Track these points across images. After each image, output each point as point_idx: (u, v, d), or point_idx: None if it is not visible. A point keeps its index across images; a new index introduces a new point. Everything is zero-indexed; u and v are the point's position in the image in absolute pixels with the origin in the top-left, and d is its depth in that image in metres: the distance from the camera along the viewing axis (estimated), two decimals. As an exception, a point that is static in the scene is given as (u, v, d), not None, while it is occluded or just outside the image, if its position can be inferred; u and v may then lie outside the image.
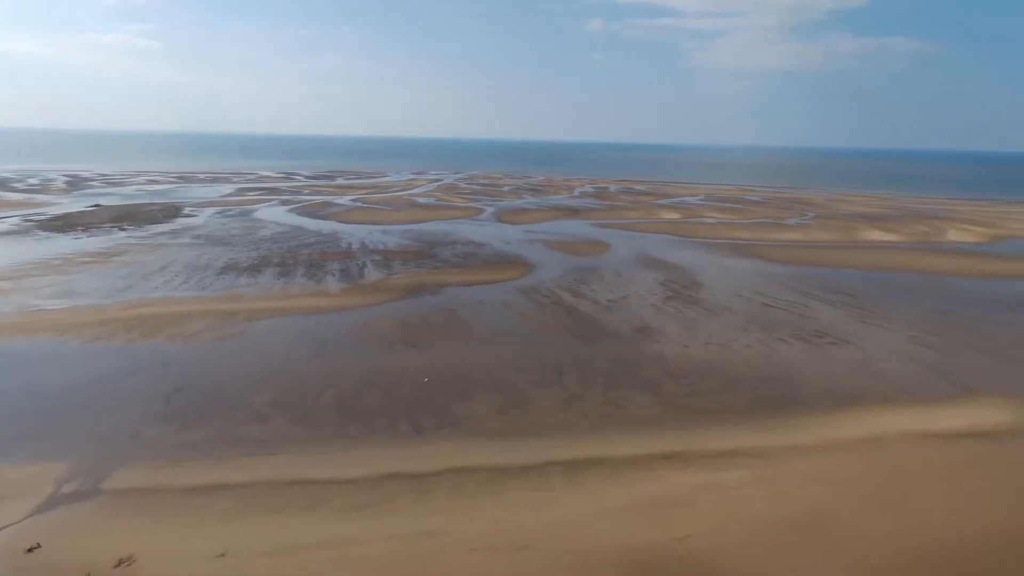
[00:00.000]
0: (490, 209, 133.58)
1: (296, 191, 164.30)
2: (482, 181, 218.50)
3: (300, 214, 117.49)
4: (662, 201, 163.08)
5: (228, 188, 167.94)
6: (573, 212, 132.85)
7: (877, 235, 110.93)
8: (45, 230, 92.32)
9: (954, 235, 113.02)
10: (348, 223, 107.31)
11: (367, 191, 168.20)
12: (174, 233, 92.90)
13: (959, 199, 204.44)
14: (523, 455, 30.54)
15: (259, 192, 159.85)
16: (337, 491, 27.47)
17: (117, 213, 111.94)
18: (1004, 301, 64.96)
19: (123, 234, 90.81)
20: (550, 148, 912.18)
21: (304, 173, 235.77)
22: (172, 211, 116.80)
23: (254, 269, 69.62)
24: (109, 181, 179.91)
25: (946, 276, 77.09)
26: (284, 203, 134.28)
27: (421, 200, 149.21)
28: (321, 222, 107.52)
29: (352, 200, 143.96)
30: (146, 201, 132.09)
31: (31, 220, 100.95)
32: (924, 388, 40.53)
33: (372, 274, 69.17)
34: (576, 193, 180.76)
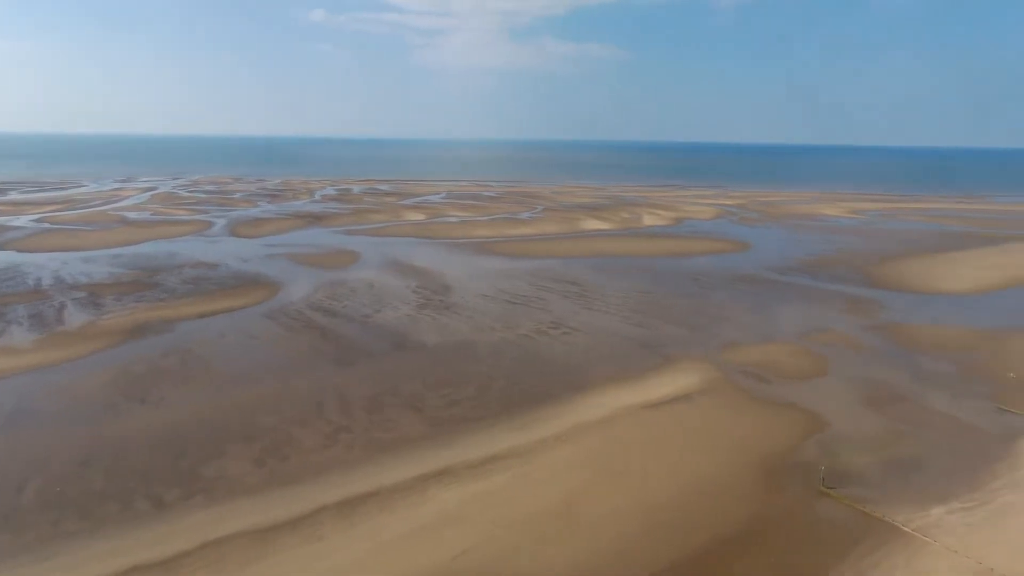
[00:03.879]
0: (222, 221, 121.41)
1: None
2: (208, 187, 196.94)
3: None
4: (407, 201, 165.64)
5: None
6: (317, 219, 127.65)
7: (594, 224, 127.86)
8: None
9: (649, 220, 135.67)
10: (34, 251, 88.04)
11: (56, 207, 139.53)
12: None
13: (651, 185, 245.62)
14: (291, 507, 28.99)
15: None
16: (59, 607, 22.95)
17: None
18: (686, 275, 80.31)
19: None
20: (284, 145, 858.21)
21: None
22: None
23: None
24: None
25: (645, 257, 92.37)
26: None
27: (133, 215, 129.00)
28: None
29: (35, 220, 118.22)
30: None
31: None
32: (638, 363, 48.33)
33: (76, 317, 58.07)
34: (318, 197, 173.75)
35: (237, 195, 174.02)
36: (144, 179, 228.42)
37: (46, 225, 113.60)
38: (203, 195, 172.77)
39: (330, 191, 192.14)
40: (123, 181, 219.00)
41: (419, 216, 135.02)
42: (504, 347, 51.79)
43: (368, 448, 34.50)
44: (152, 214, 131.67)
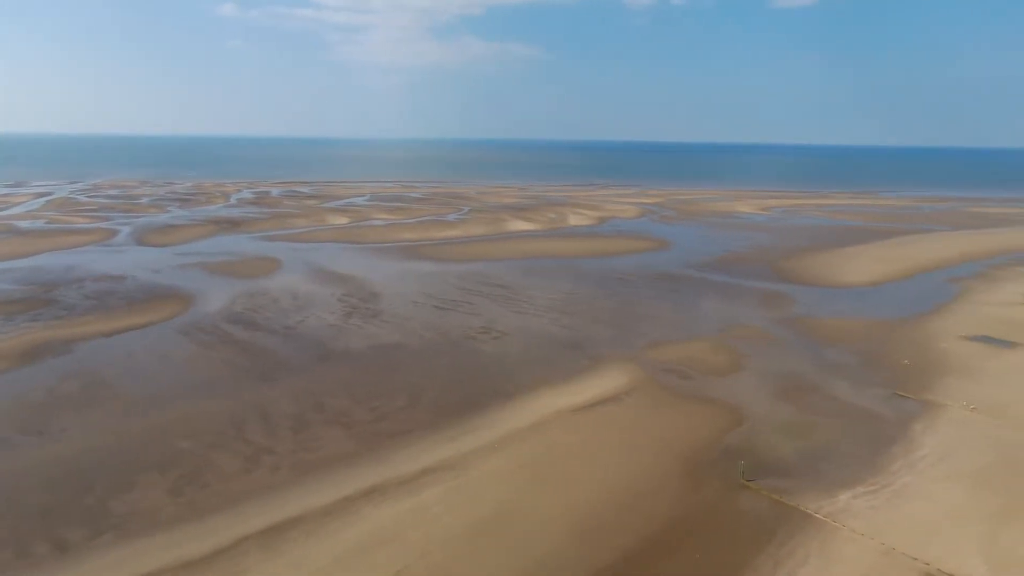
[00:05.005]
0: (127, 229, 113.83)
1: None
2: (111, 192, 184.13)
3: None
4: (329, 204, 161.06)
5: None
6: (233, 225, 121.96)
7: (520, 225, 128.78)
8: None
9: (574, 220, 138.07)
10: (-94, 268, 79.42)
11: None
12: None
13: (575, 185, 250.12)
14: (210, 539, 27.52)
15: None
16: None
17: None
18: (611, 275, 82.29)
19: None
20: (196, 145, 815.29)
21: None
22: None
23: None
24: None
25: (571, 258, 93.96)
26: None
27: (24, 224, 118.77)
28: None
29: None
30: None
31: None
32: (568, 365, 49.04)
33: (-41, 341, 52.84)
34: (233, 201, 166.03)
35: (144, 200, 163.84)
36: (38, 183, 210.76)
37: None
38: (105, 200, 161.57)
39: (247, 194, 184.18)
40: (12, 186, 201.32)
41: (343, 220, 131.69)
42: (434, 355, 51.28)
43: (293, 470, 33.27)
44: (47, 222, 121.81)
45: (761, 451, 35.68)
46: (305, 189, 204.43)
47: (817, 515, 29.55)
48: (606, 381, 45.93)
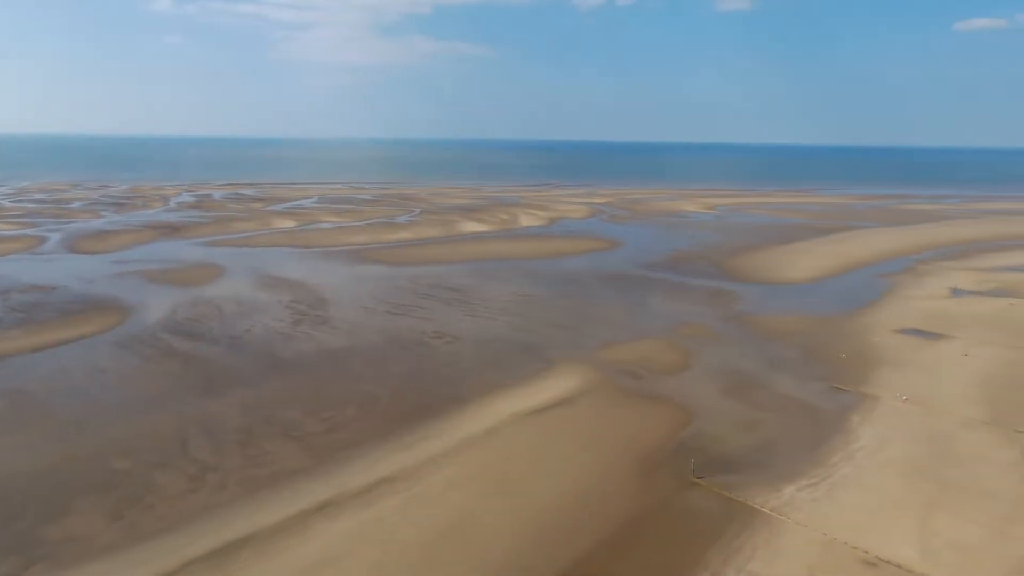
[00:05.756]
0: (57, 236, 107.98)
1: None
2: (38, 196, 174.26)
3: None
4: (276, 207, 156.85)
5: None
6: (173, 230, 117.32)
7: (472, 226, 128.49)
8: None
9: (525, 220, 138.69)
10: None
11: None
12: None
13: (526, 185, 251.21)
14: (153, 563, 26.39)
15: None
16: None
17: None
18: (563, 276, 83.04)
19: None
20: (133, 145, 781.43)
21: None
22: None
23: None
24: None
25: (524, 260, 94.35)
26: None
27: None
28: None
29: None
30: None
31: None
32: (522, 368, 49.22)
33: None
34: (173, 204, 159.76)
35: (76, 204, 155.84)
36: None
37: None
38: (32, 205, 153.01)
39: (187, 197, 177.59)
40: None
41: (290, 223, 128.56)
42: (386, 362, 50.63)
43: (242, 487, 32.26)
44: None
45: (711, 448, 36.67)
46: (250, 191, 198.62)
47: (763, 509, 30.58)
48: (560, 383, 46.31)
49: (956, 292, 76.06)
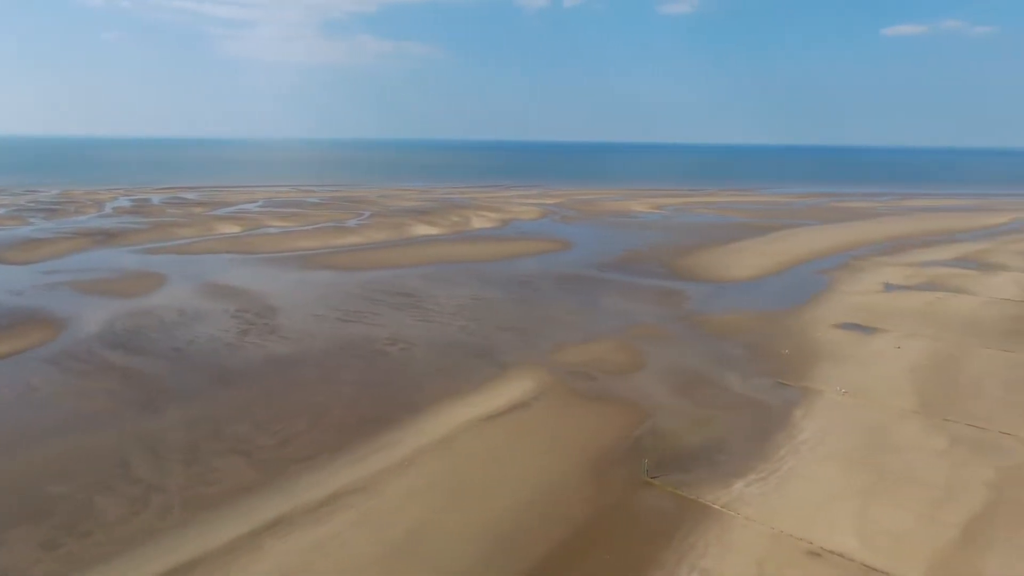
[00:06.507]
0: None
1: None
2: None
3: None
4: (219, 212, 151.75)
5: None
6: (108, 237, 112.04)
7: (424, 229, 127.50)
8: None
9: (477, 222, 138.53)
10: None
11: None
12: None
13: (477, 186, 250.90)
14: (93, 594, 25.18)
15: None
16: None
17: None
18: (515, 278, 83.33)
19: None
20: (64, 147, 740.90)
21: None
22: None
23: None
24: None
25: (476, 262, 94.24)
26: None
27: None
28: None
29: None
30: None
31: None
32: (476, 374, 49.15)
33: None
34: (108, 210, 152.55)
35: (0, 211, 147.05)
36: None
37: None
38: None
39: (124, 202, 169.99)
40: None
41: (234, 228, 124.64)
42: (338, 370, 49.73)
43: (188, 508, 31.10)
44: None
45: (663, 447, 37.48)
46: (191, 195, 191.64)
47: (715, 506, 31.45)
48: (514, 387, 46.47)
49: (888, 287, 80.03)
